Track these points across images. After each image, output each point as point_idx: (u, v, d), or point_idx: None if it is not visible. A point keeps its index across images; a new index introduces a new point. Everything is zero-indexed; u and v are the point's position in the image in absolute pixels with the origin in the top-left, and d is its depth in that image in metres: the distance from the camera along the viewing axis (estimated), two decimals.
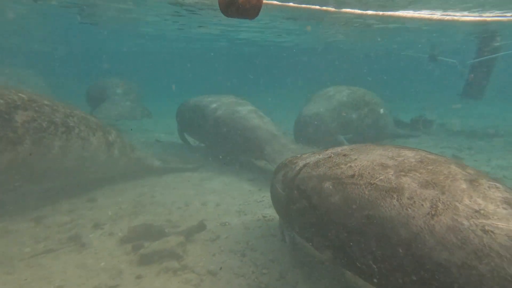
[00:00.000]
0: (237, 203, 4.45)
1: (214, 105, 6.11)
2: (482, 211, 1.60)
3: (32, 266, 2.91)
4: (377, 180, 1.94)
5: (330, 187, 2.15)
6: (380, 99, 8.38)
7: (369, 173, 2.03)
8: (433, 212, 1.67)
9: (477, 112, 13.31)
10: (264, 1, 1.44)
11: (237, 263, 3.04)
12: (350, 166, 2.15)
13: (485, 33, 11.01)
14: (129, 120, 8.66)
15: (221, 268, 2.95)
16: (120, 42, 20.31)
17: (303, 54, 23.86)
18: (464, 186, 1.76)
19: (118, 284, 2.73)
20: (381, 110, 8.08)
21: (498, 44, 9.83)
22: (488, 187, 1.74)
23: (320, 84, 8.72)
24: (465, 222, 1.58)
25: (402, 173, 1.92)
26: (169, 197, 4.59)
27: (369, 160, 2.14)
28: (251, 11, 1.36)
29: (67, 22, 11.81)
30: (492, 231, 1.52)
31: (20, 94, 3.84)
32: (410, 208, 1.74)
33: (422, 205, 1.72)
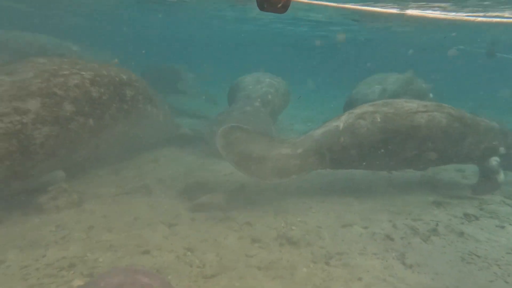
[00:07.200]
0: None
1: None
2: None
3: (116, 202, 3.84)
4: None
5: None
6: (428, 85, 8.44)
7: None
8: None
9: None
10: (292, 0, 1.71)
11: (271, 219, 3.67)
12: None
13: None
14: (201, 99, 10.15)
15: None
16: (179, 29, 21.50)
17: (361, 46, 23.33)
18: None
19: (178, 223, 3.51)
20: (430, 95, 8.11)
21: None
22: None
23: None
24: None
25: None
26: (217, 166, 5.34)
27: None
28: (281, 8, 1.73)
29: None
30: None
31: (124, 74, 4.65)
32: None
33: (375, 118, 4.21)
